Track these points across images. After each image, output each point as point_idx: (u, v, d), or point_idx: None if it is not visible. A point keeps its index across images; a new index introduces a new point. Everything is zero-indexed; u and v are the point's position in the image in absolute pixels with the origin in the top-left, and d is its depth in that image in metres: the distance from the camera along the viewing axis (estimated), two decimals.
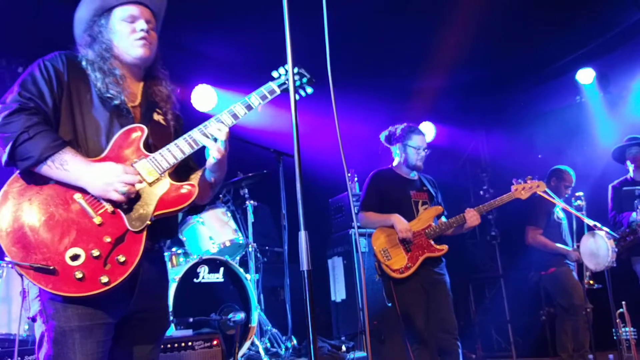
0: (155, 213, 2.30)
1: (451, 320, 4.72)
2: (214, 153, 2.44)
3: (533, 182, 5.05)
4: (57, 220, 2.17)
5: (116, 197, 2.20)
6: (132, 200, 2.26)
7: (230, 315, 4.95)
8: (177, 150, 2.41)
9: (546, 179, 6.49)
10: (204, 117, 2.58)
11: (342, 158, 2.36)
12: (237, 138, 6.06)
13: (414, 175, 5.18)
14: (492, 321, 8.78)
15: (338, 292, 6.83)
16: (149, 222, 2.27)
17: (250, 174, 6.07)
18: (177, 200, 2.36)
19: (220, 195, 6.15)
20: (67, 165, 2.20)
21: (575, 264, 6.32)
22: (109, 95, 2.42)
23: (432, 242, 4.86)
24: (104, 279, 2.13)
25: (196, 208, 2.73)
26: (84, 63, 2.48)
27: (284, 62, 2.42)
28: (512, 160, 8.59)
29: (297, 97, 2.74)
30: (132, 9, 2.54)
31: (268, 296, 6.83)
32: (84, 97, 2.42)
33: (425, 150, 5.10)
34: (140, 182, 2.29)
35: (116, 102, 2.43)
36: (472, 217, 4.87)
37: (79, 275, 2.10)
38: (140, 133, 2.40)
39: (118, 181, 2.20)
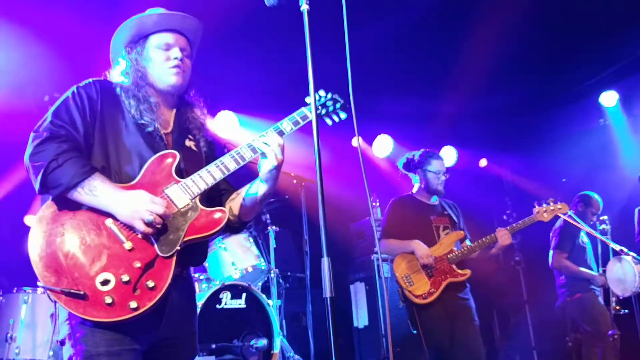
0: (186, 239, 2.30)
1: (478, 348, 4.67)
2: (268, 164, 2.47)
3: (555, 204, 5.02)
4: (88, 245, 2.19)
5: (141, 227, 2.21)
6: (162, 225, 2.26)
7: (253, 342, 4.95)
8: (209, 175, 2.43)
9: (573, 203, 6.42)
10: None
11: (365, 183, 2.35)
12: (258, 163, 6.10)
13: (434, 200, 5.16)
14: (516, 347, 8.64)
15: (360, 318, 6.78)
16: (178, 248, 2.27)
17: (272, 200, 6.09)
18: (208, 225, 2.36)
19: None
20: (96, 191, 2.22)
21: (601, 289, 6.21)
22: (143, 121, 2.46)
23: (455, 267, 4.83)
24: (133, 305, 2.13)
25: (241, 226, 2.73)
26: (118, 90, 2.52)
27: (306, 88, 2.43)
28: (535, 184, 8.53)
29: (331, 122, 2.78)
30: (168, 37, 2.60)
31: (290, 322, 6.80)
32: (117, 124, 2.45)
33: (445, 175, 5.09)
34: (169, 209, 2.28)
35: (150, 129, 2.46)
36: (503, 235, 4.86)
37: (108, 300, 2.11)
38: (172, 159, 2.43)
39: (145, 210, 2.20)
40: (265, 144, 2.49)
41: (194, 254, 2.50)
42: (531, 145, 9.08)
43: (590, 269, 6.29)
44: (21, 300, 5.09)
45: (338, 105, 2.75)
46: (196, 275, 5.62)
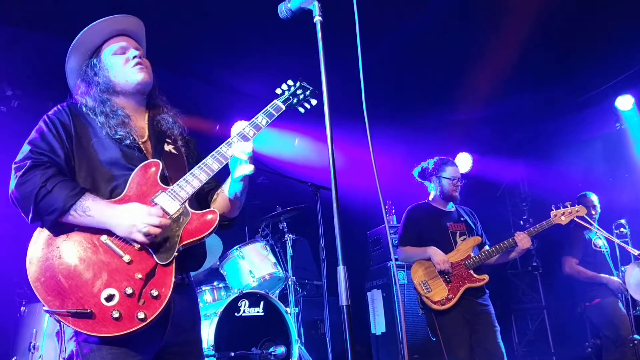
0: (182, 243, 2.32)
1: (499, 352, 4.65)
2: (240, 171, 2.50)
3: (573, 207, 5.01)
4: (87, 263, 2.19)
5: (140, 238, 2.23)
6: (158, 234, 2.28)
7: (271, 349, 4.97)
8: (194, 179, 2.44)
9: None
10: None
11: (378, 190, 2.37)
12: (275, 172, 6.16)
13: (451, 207, 5.18)
14: (536, 353, 8.59)
15: (378, 325, 6.78)
16: (176, 254, 2.29)
17: (288, 208, 6.13)
18: (201, 228, 2.37)
19: (260, 230, 6.21)
20: (90, 211, 2.24)
21: (621, 294, 6.17)
22: (118, 137, 2.46)
23: (473, 273, 4.83)
24: (141, 315, 2.15)
25: (230, 223, 2.76)
26: (84, 110, 2.53)
27: (319, 97, 2.44)
28: (551, 189, 8.48)
29: (303, 110, 2.80)
30: (119, 42, 2.64)
31: (308, 329, 6.82)
32: (93, 144, 2.46)
33: (461, 181, 5.11)
34: (165, 218, 2.30)
35: (127, 142, 2.47)
36: (522, 239, 4.85)
37: (115, 314, 2.12)
38: (155, 168, 2.44)
39: (142, 222, 2.22)
40: (240, 152, 2.50)
41: (192, 258, 2.52)
42: (547, 150, 9.05)
43: (609, 272, 6.26)
44: (43, 310, 5.15)
45: (308, 93, 2.76)
46: (215, 283, 5.67)
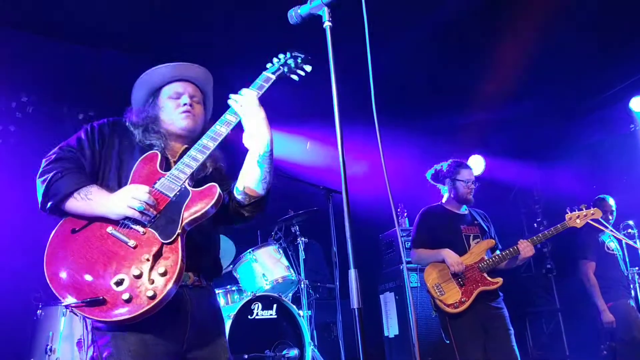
0: (185, 220, 2.35)
1: (513, 355, 4.62)
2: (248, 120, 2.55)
3: (588, 210, 4.98)
4: (98, 256, 2.28)
5: (132, 213, 2.29)
6: (160, 217, 2.34)
7: (285, 352, 4.99)
8: (190, 159, 2.50)
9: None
10: None
11: (389, 193, 2.38)
12: (287, 176, 6.18)
13: (464, 209, 5.17)
14: (550, 357, 8.54)
15: (391, 328, 6.78)
16: (179, 231, 2.32)
17: (300, 211, 6.15)
18: (202, 200, 2.40)
19: (272, 233, 6.24)
20: (91, 195, 2.35)
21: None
22: (148, 142, 2.57)
23: (486, 276, 4.81)
24: (149, 293, 2.19)
25: (259, 203, 2.68)
26: (127, 123, 2.66)
27: (330, 101, 2.46)
28: (565, 192, 8.44)
29: (297, 77, 2.80)
30: (177, 86, 2.75)
31: (321, 332, 6.83)
32: (126, 154, 2.57)
33: (475, 184, 5.09)
34: (155, 201, 2.36)
35: (156, 149, 2.56)
36: (525, 247, 4.81)
37: (125, 296, 2.17)
38: (155, 157, 2.54)
39: (130, 197, 2.30)
40: (237, 104, 2.59)
41: (206, 263, 2.58)
42: (561, 153, 9.00)
43: (622, 274, 6.21)
44: (59, 313, 5.21)
45: (300, 60, 2.76)
46: (228, 286, 5.70)
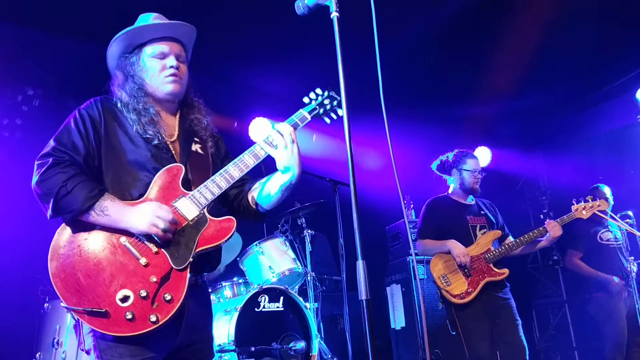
0: (197, 250, 2.36)
1: (521, 344, 4.64)
2: (282, 155, 2.54)
3: (594, 201, 4.96)
4: (105, 264, 2.25)
5: (155, 231, 2.27)
6: (174, 238, 2.33)
7: (291, 344, 4.99)
8: (215, 186, 2.48)
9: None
10: None
11: (397, 185, 2.37)
12: None
13: (470, 200, 5.16)
14: (558, 348, 8.53)
15: (398, 320, 6.78)
16: (191, 260, 2.33)
17: (307, 204, 6.14)
18: (218, 235, 2.41)
19: (279, 225, 6.23)
20: (108, 210, 2.29)
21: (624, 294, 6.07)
22: (147, 136, 2.50)
23: (492, 266, 4.80)
24: (153, 318, 2.20)
25: (260, 215, 2.77)
26: (119, 105, 2.57)
27: (337, 93, 2.43)
28: (572, 183, 8.40)
29: (329, 120, 2.79)
30: (162, 47, 2.64)
31: (328, 325, 6.83)
32: (123, 141, 2.50)
33: (481, 173, 5.08)
34: (180, 220, 2.35)
35: (155, 142, 2.52)
36: (554, 227, 4.82)
37: (129, 315, 2.18)
38: (178, 172, 2.48)
39: (155, 216, 2.27)
40: (278, 134, 2.55)
41: (208, 261, 2.56)
42: (567, 144, 8.96)
43: (621, 266, 6.13)
44: (61, 306, 5.22)
45: (335, 103, 2.75)
46: (235, 279, 5.70)
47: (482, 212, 5.13)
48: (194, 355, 2.47)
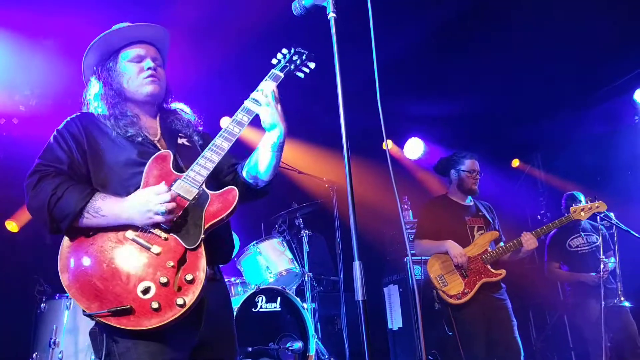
0: (207, 225, 2.33)
1: (516, 346, 4.65)
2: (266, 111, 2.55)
3: (593, 203, 4.96)
4: (118, 262, 2.22)
5: (160, 219, 2.25)
6: (180, 221, 2.30)
7: (289, 345, 5.01)
8: (206, 161, 2.46)
9: (564, 204, 6.36)
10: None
11: (394, 186, 2.37)
12: (291, 169, 6.17)
13: (469, 201, 5.17)
14: (554, 349, 8.52)
15: (395, 320, 6.79)
16: (203, 236, 2.30)
17: (304, 204, 6.15)
18: (223, 206, 2.38)
19: (276, 226, 6.24)
20: (102, 211, 2.26)
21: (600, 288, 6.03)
22: (129, 134, 2.49)
23: (489, 267, 4.82)
24: (180, 301, 2.16)
25: (264, 188, 2.75)
26: (96, 114, 2.57)
27: (334, 91, 2.43)
28: (569, 184, 8.41)
29: (302, 75, 2.80)
30: (138, 50, 2.65)
31: (325, 325, 6.84)
32: (107, 147, 2.48)
33: (480, 174, 5.09)
34: (180, 201, 2.32)
35: (139, 139, 2.51)
36: (528, 240, 4.82)
37: (155, 305, 2.14)
38: (167, 157, 2.47)
39: (154, 203, 2.24)
40: (261, 93, 2.57)
41: (221, 249, 2.54)
42: (565, 145, 8.96)
43: (593, 270, 6.02)
44: (63, 307, 5.22)
45: (304, 57, 2.76)
46: (232, 279, 5.71)
47: (480, 213, 5.14)
48: (217, 352, 2.44)
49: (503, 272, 4.82)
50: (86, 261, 2.23)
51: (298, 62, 2.76)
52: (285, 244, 5.90)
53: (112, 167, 2.45)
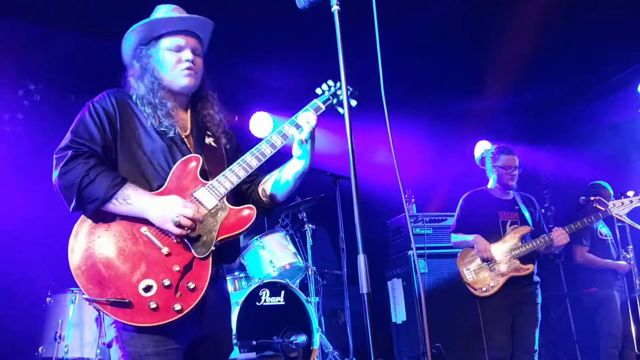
0: (219, 238, 2.36)
1: (531, 341, 4.79)
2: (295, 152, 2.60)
3: (636, 197, 4.95)
4: (127, 254, 2.25)
5: (172, 229, 2.27)
6: (195, 228, 2.32)
7: (292, 338, 5.02)
8: (233, 175, 2.49)
9: (584, 196, 6.36)
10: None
11: (399, 179, 2.37)
12: None
13: (509, 194, 5.20)
14: (558, 342, 8.52)
15: (399, 314, 6.79)
16: (213, 248, 2.33)
17: (308, 198, 6.14)
18: (238, 224, 2.42)
19: (279, 220, 6.24)
20: (130, 199, 2.29)
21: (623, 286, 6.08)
22: (162, 129, 2.50)
23: (518, 262, 4.86)
24: (177, 307, 2.20)
25: (272, 207, 2.80)
26: (134, 97, 2.58)
27: (357, 97, 2.42)
28: (574, 177, 8.39)
29: (343, 110, 2.77)
30: (179, 40, 2.63)
31: (328, 319, 6.85)
32: (138, 133, 2.50)
33: (517, 169, 5.12)
34: (200, 212, 2.34)
35: (170, 134, 2.52)
36: (559, 235, 4.88)
37: (153, 305, 2.17)
38: (195, 163, 2.48)
39: (177, 213, 2.26)
40: (305, 122, 2.58)
41: (227, 252, 2.55)
42: (569, 138, 8.93)
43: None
44: (69, 301, 5.24)
45: (349, 93, 2.77)
46: (236, 273, 5.72)
47: (517, 208, 5.18)
48: (215, 346, 2.48)
49: (531, 266, 4.91)
50: (97, 246, 2.26)
51: (341, 97, 2.75)
52: (288, 238, 5.90)
53: (139, 155, 2.47)
